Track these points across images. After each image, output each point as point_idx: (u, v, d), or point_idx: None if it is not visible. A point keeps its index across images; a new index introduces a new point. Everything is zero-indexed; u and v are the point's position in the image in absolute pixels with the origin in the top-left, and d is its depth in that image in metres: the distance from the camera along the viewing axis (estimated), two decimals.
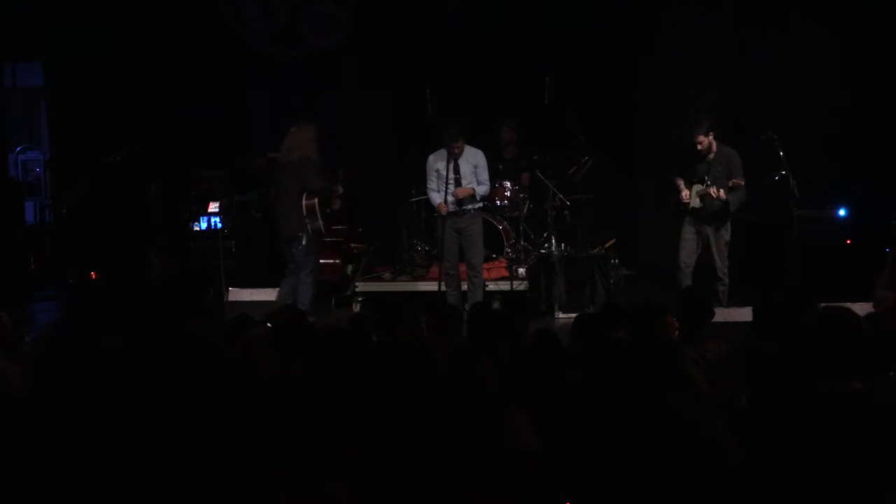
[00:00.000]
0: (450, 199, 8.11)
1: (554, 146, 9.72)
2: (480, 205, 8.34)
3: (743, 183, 7.83)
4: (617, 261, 9.26)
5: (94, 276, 10.00)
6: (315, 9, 10.70)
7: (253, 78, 10.70)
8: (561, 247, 9.20)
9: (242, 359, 4.16)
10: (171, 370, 3.86)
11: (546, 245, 9.28)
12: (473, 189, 8.11)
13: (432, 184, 8.25)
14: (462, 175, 8.11)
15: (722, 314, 6.48)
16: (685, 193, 7.97)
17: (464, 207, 8.14)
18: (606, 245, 9.13)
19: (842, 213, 9.20)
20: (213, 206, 10.08)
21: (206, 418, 3.47)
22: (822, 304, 5.14)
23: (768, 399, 3.50)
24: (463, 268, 8.27)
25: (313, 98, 10.65)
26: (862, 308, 6.61)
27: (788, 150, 8.13)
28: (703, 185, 7.88)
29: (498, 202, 9.53)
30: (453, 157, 8.08)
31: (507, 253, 9.30)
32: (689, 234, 8.01)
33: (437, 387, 3.74)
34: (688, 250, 7.99)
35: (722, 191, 7.80)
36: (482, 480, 3.15)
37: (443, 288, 8.26)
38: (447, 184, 8.08)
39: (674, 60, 10.24)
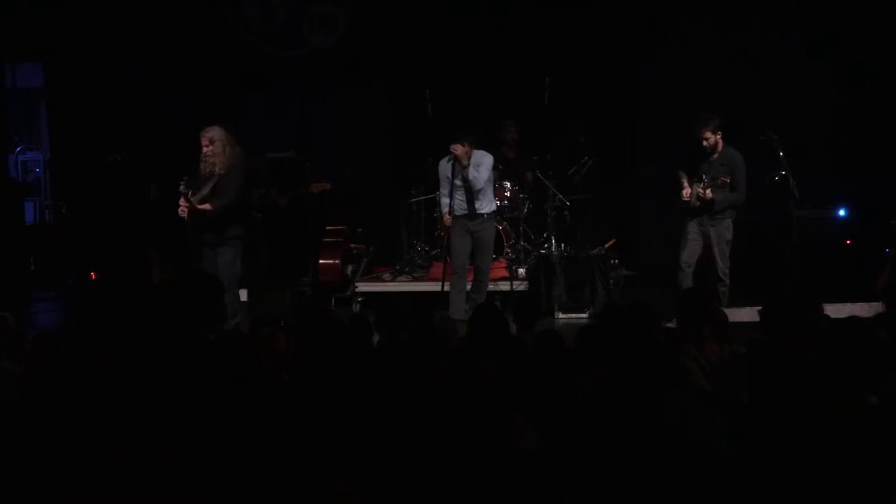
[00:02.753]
0: (455, 204, 8.10)
1: (554, 146, 9.72)
2: (495, 208, 8.33)
3: (729, 181, 7.79)
4: (617, 261, 9.25)
5: (94, 276, 10.00)
6: (315, 9, 10.68)
7: (253, 78, 10.69)
8: (561, 247, 9.20)
9: (256, 361, 4.18)
10: (181, 372, 3.87)
11: (546, 245, 9.28)
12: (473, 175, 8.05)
13: (444, 189, 8.25)
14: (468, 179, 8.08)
15: None
16: (686, 192, 7.95)
17: (478, 212, 8.13)
18: (606, 245, 9.13)
19: (842, 213, 9.21)
20: None
21: (214, 418, 3.47)
22: (824, 305, 5.18)
23: (773, 402, 3.50)
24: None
25: (313, 98, 10.65)
26: (862, 308, 6.65)
27: (788, 150, 8.13)
28: (702, 183, 7.87)
29: (498, 202, 9.52)
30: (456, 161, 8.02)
31: (507, 253, 9.29)
32: (692, 233, 7.98)
33: (439, 386, 3.75)
34: (690, 250, 7.96)
35: (708, 190, 7.77)
36: (483, 480, 3.16)
37: (446, 288, 8.25)
38: (454, 188, 8.08)
39: (674, 60, 10.22)
